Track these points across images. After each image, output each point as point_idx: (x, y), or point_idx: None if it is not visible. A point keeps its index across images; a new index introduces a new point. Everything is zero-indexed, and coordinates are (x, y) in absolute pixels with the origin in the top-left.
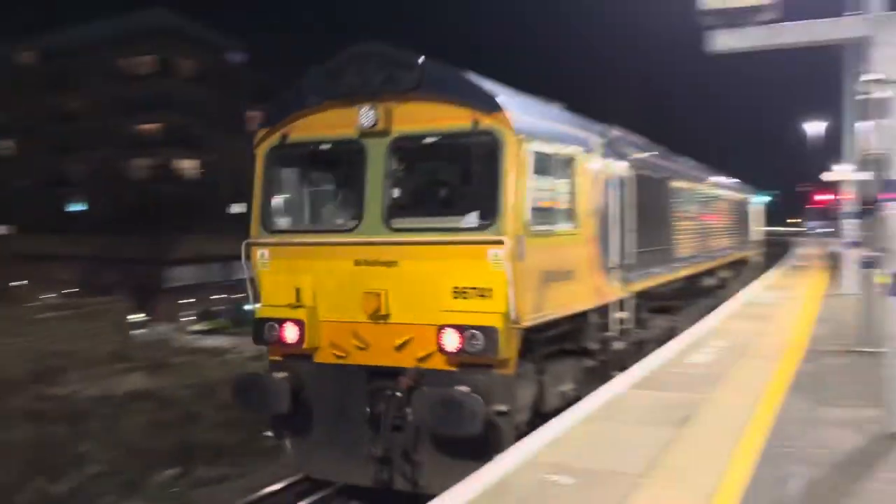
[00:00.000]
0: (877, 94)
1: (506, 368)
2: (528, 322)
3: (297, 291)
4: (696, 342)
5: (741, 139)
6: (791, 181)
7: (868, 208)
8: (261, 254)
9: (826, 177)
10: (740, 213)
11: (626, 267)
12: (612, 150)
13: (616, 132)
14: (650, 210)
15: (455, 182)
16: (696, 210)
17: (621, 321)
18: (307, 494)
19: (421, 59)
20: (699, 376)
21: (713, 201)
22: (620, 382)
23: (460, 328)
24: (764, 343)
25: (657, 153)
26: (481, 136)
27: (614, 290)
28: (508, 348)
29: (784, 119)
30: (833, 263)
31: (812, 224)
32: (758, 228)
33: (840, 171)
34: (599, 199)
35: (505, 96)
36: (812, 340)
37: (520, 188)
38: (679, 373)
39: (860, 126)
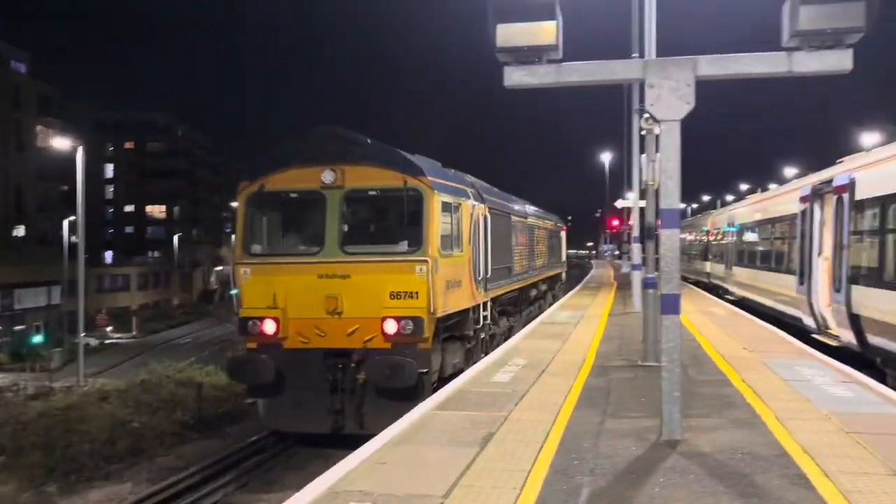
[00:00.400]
0: (651, 129)
1: (426, 344)
2: (439, 314)
3: (274, 297)
4: (499, 361)
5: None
6: (590, 206)
7: (649, 233)
8: (243, 271)
9: (618, 204)
10: (553, 239)
11: (486, 280)
12: (476, 195)
13: (474, 180)
14: (498, 238)
15: (390, 221)
16: (526, 238)
17: (484, 317)
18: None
19: (368, 140)
20: (502, 395)
21: (536, 230)
22: (430, 402)
23: (397, 318)
24: (560, 360)
25: (500, 195)
26: (410, 191)
27: (480, 296)
28: (428, 331)
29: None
30: (623, 283)
31: (605, 248)
32: (564, 251)
33: (628, 200)
34: (472, 231)
35: (426, 166)
36: (603, 357)
37: (434, 225)
38: (484, 392)
39: (642, 158)
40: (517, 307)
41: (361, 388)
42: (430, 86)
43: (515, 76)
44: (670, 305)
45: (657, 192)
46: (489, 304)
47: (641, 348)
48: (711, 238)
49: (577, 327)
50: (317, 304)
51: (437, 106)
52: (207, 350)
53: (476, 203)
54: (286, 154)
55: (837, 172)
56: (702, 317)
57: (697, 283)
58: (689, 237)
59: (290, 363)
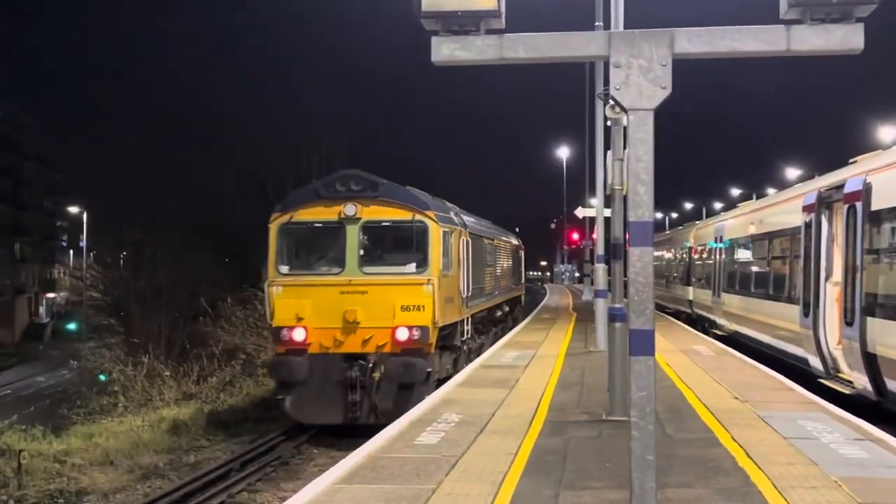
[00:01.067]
0: (617, 120)
1: (431, 349)
2: (440, 324)
3: (302, 310)
4: (425, 417)
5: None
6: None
7: (615, 251)
8: (276, 288)
9: (579, 213)
10: (514, 259)
11: (468, 297)
12: (460, 222)
13: (452, 206)
14: (475, 260)
15: (400, 247)
16: (493, 258)
17: (467, 331)
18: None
19: (383, 181)
20: (429, 461)
21: (500, 250)
22: (333, 474)
23: (408, 327)
24: (504, 415)
25: (474, 218)
26: (417, 224)
27: (465, 312)
28: (433, 337)
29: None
30: (584, 313)
31: (562, 268)
32: (523, 272)
33: (591, 208)
34: (460, 255)
35: (429, 201)
36: (558, 409)
37: (437, 251)
38: (405, 457)
39: (607, 156)
40: (485, 326)
41: (377, 386)
42: (335, 63)
43: (445, 50)
44: (642, 343)
45: (626, 199)
46: (469, 319)
47: (607, 398)
48: (695, 257)
49: (526, 371)
50: (337, 315)
51: (350, 89)
52: (34, 405)
53: (462, 229)
54: (315, 190)
55: (850, 175)
56: (683, 357)
57: (677, 315)
58: (668, 255)
59: (313, 366)
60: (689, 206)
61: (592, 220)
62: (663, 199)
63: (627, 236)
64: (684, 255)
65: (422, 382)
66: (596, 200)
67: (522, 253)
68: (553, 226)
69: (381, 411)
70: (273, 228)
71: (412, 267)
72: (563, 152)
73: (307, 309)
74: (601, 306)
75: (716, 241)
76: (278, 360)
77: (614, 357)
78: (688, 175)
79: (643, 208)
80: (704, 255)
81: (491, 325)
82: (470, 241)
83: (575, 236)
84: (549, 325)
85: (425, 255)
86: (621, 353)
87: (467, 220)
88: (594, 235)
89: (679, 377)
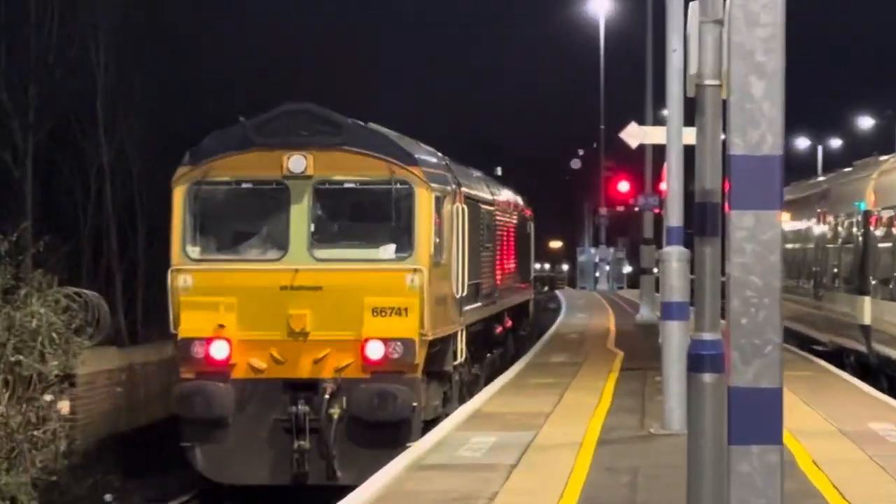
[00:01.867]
0: None
1: (416, 373)
2: (430, 336)
3: (222, 313)
4: None
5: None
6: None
7: (701, 224)
8: (183, 279)
9: (631, 137)
10: (521, 237)
11: (462, 299)
12: (454, 179)
13: (434, 152)
14: (470, 241)
15: (372, 220)
16: (493, 237)
17: (462, 350)
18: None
19: (347, 120)
20: None
21: (502, 222)
22: None
23: (384, 340)
24: None
25: (467, 170)
26: (398, 184)
27: (458, 321)
28: (419, 356)
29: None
30: (637, 353)
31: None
32: (532, 260)
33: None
34: (453, 233)
35: (414, 150)
36: None
37: (427, 227)
38: None
39: (691, 18)
40: (480, 349)
41: (333, 427)
42: None
43: None
44: (756, 417)
45: (726, 109)
46: (464, 332)
47: None
48: (878, 234)
49: (510, 481)
50: (277, 322)
51: None
52: None
53: (456, 190)
54: (239, 133)
55: None
56: (846, 447)
57: (837, 355)
58: (810, 233)
59: (239, 397)
60: (801, 143)
61: (659, 152)
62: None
63: (728, 187)
64: (851, 232)
65: (402, 420)
66: (675, 111)
67: (532, 226)
68: (576, 165)
69: (340, 466)
70: (178, 191)
71: (390, 250)
72: (600, 10)
73: (231, 312)
74: (675, 338)
75: None
76: (187, 389)
77: (701, 449)
78: (792, 101)
79: (762, 128)
80: None
81: (487, 347)
82: (466, 209)
83: (622, 188)
84: (566, 374)
85: (410, 232)
86: (714, 439)
87: (464, 179)
88: (662, 186)
89: (838, 490)
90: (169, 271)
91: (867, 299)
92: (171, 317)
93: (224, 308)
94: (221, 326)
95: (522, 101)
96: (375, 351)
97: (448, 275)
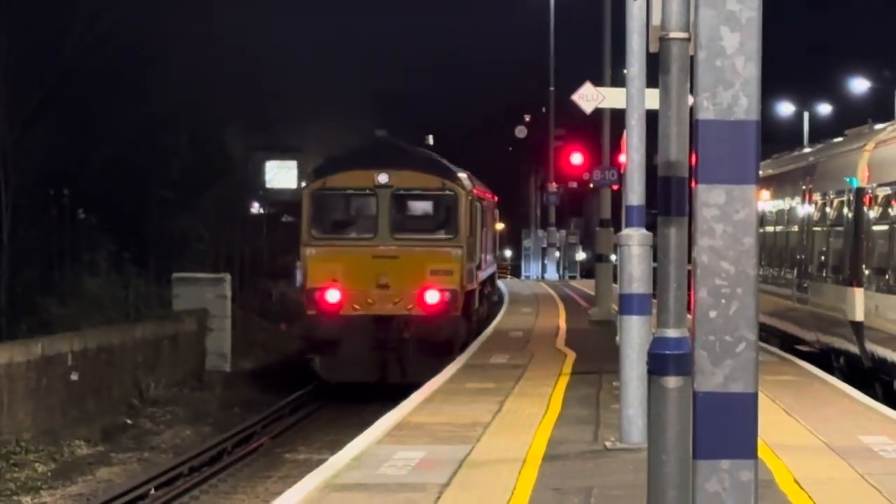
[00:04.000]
0: None
1: (457, 311)
2: (466, 289)
3: (335, 272)
4: None
5: None
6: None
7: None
8: (310, 251)
9: (584, 100)
10: (492, 219)
11: (477, 266)
12: (470, 183)
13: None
14: (474, 224)
15: (430, 214)
16: (480, 220)
17: (477, 300)
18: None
19: (413, 147)
20: None
21: (484, 209)
22: None
23: (438, 289)
24: None
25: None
26: (447, 191)
27: (476, 281)
28: (459, 302)
29: None
30: (591, 356)
31: (542, 238)
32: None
33: (613, 90)
34: (473, 220)
35: (455, 169)
36: None
37: (465, 218)
38: None
39: None
40: (480, 301)
41: (405, 346)
42: None
43: None
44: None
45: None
46: (478, 290)
47: None
48: (872, 216)
49: None
50: (369, 278)
51: None
52: None
53: (471, 192)
54: (346, 157)
55: None
56: (835, 464)
57: (823, 357)
58: (793, 214)
59: (344, 326)
60: (783, 109)
61: (618, 119)
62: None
63: (695, 159)
64: (842, 213)
65: (448, 342)
66: (633, 70)
67: (497, 211)
68: (521, 134)
69: (410, 371)
70: (306, 195)
71: (441, 233)
72: None
73: (340, 271)
74: (635, 335)
75: None
76: (311, 321)
77: (662, 465)
78: (771, 58)
79: (735, 88)
80: None
81: (481, 301)
82: (477, 205)
83: (575, 161)
84: (508, 378)
85: (454, 223)
86: (679, 454)
87: (474, 182)
88: (622, 159)
89: None
90: (301, 246)
91: (859, 292)
92: (301, 276)
93: (336, 269)
94: (334, 280)
95: (459, 59)
96: (432, 297)
97: (473, 251)
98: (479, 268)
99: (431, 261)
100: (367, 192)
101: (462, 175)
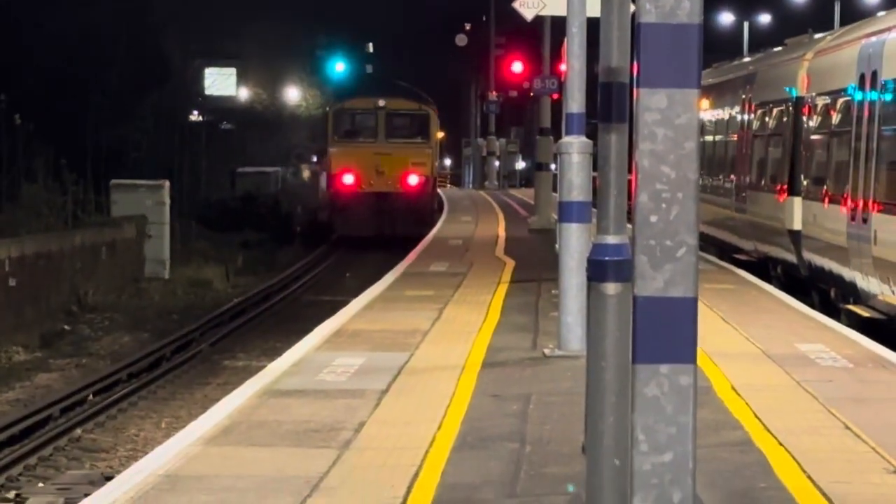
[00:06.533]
0: None
1: (430, 189)
2: (433, 176)
3: (350, 163)
4: None
5: None
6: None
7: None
8: (334, 149)
9: (523, 6)
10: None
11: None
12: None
13: None
14: None
15: (412, 126)
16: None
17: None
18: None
19: (401, 83)
20: None
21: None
22: None
23: (417, 174)
24: None
25: None
26: (422, 111)
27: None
28: (430, 184)
29: None
30: (530, 263)
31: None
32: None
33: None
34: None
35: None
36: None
37: (435, 129)
38: None
39: None
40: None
41: (395, 211)
42: None
43: None
44: (665, 335)
45: None
46: (437, 178)
47: (579, 474)
48: (811, 126)
49: (382, 406)
50: (372, 167)
51: None
52: None
53: (436, 111)
54: (357, 88)
55: None
56: (771, 371)
57: (761, 266)
58: (732, 122)
59: (355, 198)
60: (723, 18)
61: (559, 26)
62: None
63: (637, 63)
64: (781, 122)
65: (425, 209)
66: None
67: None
68: (461, 42)
69: (399, 228)
70: (330, 113)
71: (419, 139)
72: None
73: (353, 163)
74: (574, 243)
75: (865, 87)
76: (334, 195)
77: (601, 371)
78: None
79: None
80: (835, 123)
81: (437, 185)
82: (437, 119)
83: (516, 69)
84: (447, 286)
85: (427, 132)
86: (618, 360)
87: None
88: (562, 67)
89: (761, 420)
90: (327, 147)
91: (797, 200)
92: (327, 169)
93: (350, 161)
94: (349, 169)
95: None
96: (413, 180)
97: (436, 152)
98: (438, 164)
99: (412, 156)
100: (371, 111)
101: (430, 100)
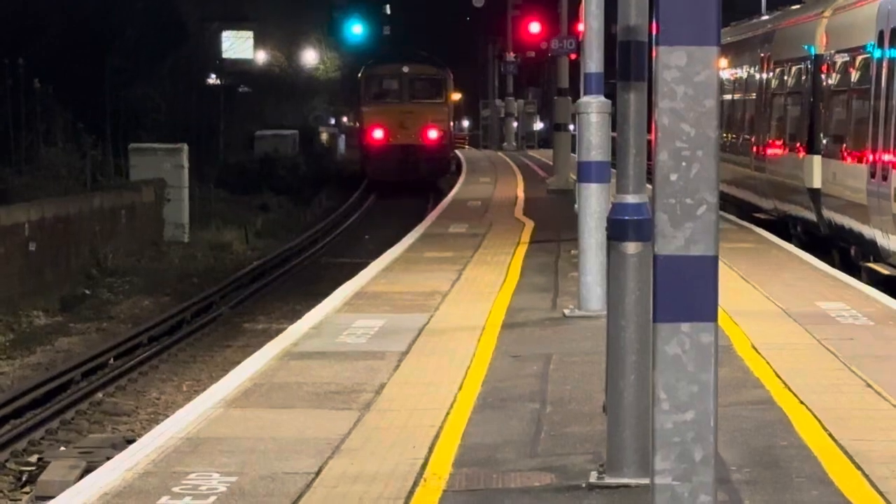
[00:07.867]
0: None
1: (448, 141)
2: (451, 130)
3: (380, 120)
4: None
5: None
6: None
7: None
8: (366, 108)
9: None
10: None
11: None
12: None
13: None
14: None
15: (432, 88)
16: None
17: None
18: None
19: (422, 52)
20: None
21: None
22: None
23: (436, 128)
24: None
25: None
26: (440, 75)
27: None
28: (448, 137)
29: None
30: (550, 225)
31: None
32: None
33: None
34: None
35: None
36: (480, 463)
37: (451, 91)
38: None
39: None
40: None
41: (417, 160)
42: None
43: None
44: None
45: None
46: (453, 133)
47: (600, 432)
48: (830, 84)
49: (403, 367)
50: (398, 123)
51: None
52: None
53: (451, 75)
54: (385, 55)
55: None
56: (792, 330)
57: (782, 225)
58: (753, 81)
59: (385, 150)
60: None
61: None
62: None
63: (655, 21)
64: (800, 81)
65: (443, 158)
66: None
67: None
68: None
69: (422, 174)
70: (363, 77)
71: (438, 98)
72: None
73: (382, 120)
74: (594, 203)
75: (884, 44)
76: (366, 147)
77: (622, 330)
78: None
79: None
80: (854, 80)
81: (453, 141)
82: (452, 82)
83: (533, 29)
84: (467, 247)
85: (445, 93)
86: (638, 320)
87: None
88: (580, 27)
89: (781, 379)
90: (360, 107)
91: (817, 159)
92: (359, 125)
93: (380, 118)
94: (379, 125)
95: None
96: (432, 134)
97: (451, 110)
98: (456, 125)
99: (431, 114)
100: (396, 76)
101: (446, 66)
